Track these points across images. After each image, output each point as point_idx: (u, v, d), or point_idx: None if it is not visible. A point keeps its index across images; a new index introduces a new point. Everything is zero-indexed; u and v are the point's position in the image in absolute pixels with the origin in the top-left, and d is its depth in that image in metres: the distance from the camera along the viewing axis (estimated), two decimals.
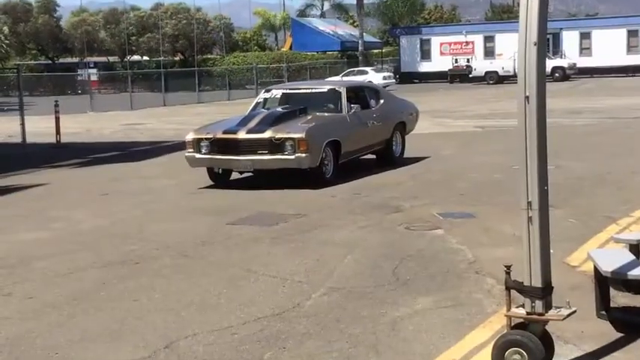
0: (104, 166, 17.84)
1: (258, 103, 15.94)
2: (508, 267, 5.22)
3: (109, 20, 72.94)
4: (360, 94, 16.21)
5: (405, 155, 16.68)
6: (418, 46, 67.61)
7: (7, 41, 63.26)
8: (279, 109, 15.15)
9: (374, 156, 16.25)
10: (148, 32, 71.73)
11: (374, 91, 17.13)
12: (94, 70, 66.34)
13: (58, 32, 73.56)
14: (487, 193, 12.47)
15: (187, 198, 13.05)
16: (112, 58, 77.06)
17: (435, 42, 66.67)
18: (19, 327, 6.73)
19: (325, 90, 15.98)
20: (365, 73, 59.35)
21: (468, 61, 62.93)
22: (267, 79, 59.70)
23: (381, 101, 16.48)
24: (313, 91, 16.01)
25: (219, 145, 13.78)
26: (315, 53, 74.61)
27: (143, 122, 31.62)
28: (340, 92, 15.32)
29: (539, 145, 5.01)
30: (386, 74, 60.64)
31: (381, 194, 12.71)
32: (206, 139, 13.90)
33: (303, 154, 13.28)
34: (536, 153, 5.01)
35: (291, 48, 76.93)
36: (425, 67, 66.44)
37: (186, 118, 32.10)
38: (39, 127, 26.28)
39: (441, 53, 65.80)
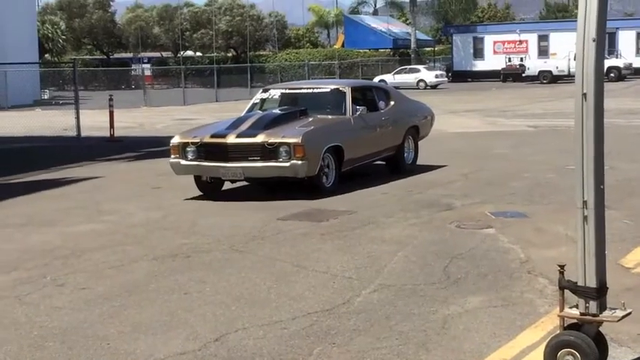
0: (156, 160, 17.97)
1: (254, 104, 14.57)
2: (562, 266, 5.13)
3: (163, 16, 73.53)
4: (367, 95, 14.93)
5: (462, 153, 16.43)
6: (471, 44, 67.08)
7: (63, 36, 64.22)
8: (277, 110, 13.82)
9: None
10: (201, 28, 72.17)
11: (383, 92, 15.65)
12: (148, 66, 67.08)
13: (112, 28, 74.41)
14: (540, 192, 12.33)
15: (238, 193, 13.09)
16: (165, 54, 77.69)
17: (489, 40, 66.10)
18: (71, 317, 6.81)
19: (328, 90, 14.42)
20: (417, 71, 59.13)
21: (521, 60, 62.26)
22: (319, 75, 59.81)
23: (392, 103, 15.07)
24: (315, 91, 14.47)
25: (207, 151, 12.42)
26: (367, 50, 74.56)
27: (195, 117, 31.82)
28: (344, 92, 13.96)
29: (596, 142, 4.92)
30: (438, 72, 60.37)
31: (432, 192, 12.64)
32: (192, 143, 12.53)
33: (299, 161, 11.96)
34: (592, 150, 4.92)
35: (343, 45, 76.95)
36: (478, 65, 65.92)
37: (238, 113, 32.09)
38: (93, 121, 26.60)
39: (494, 52, 65.22)
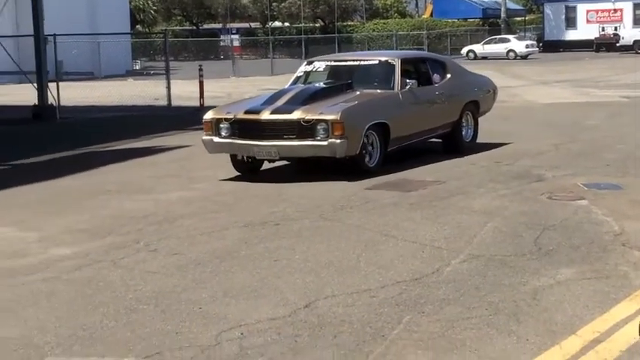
0: None
1: (298, 78, 13.56)
2: None
3: None
4: (420, 68, 13.87)
5: (553, 124, 16.07)
6: (563, 13, 65.66)
7: (154, 7, 65.13)
8: (320, 84, 12.94)
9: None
10: None
11: (439, 64, 14.43)
12: (237, 36, 67.61)
13: None
14: (634, 164, 12.05)
15: (326, 161, 13.09)
16: (253, 25, 78.14)
17: (581, 9, 64.58)
18: (164, 281, 6.95)
19: (376, 62, 13.40)
20: (507, 41, 58.27)
21: (615, 29, 60.79)
22: (407, 46, 59.36)
23: (448, 76, 13.96)
24: (362, 63, 13.52)
25: (241, 128, 11.63)
26: (456, 20, 73.62)
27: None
28: (393, 65, 12.86)
29: None
30: (529, 42, 59.41)
31: (522, 163, 12.47)
32: (225, 119, 11.75)
33: (338, 140, 11.08)
34: None
35: (431, 15, 76.14)
36: (569, 35, 64.52)
37: None
38: (183, 91, 26.97)
39: (587, 21, 63.75)
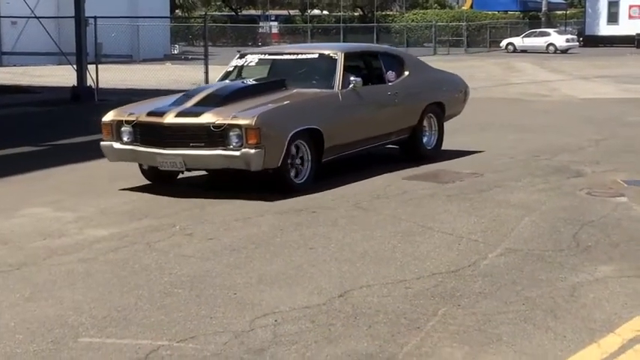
0: None
1: (228, 73, 11.75)
2: None
3: None
4: (371, 64, 12.02)
5: (593, 119, 15.86)
6: (605, 8, 64.92)
7: None
8: (247, 81, 11.20)
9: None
10: None
11: (394, 59, 12.36)
12: (275, 23, 67.66)
13: None
14: None
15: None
16: (292, 12, 78.10)
17: (624, 5, 63.81)
18: (199, 266, 6.94)
19: (315, 56, 11.38)
20: (547, 34, 57.76)
21: None
22: (446, 37, 59.07)
23: (406, 73, 12.08)
24: (300, 57, 11.50)
25: (142, 132, 9.83)
26: (496, 13, 73.11)
27: None
28: (335, 59, 11.00)
29: None
30: (569, 37, 58.83)
31: (561, 158, 12.33)
32: (127, 122, 9.91)
33: (253, 150, 9.23)
34: None
35: (471, 7, 75.67)
36: (611, 30, 63.80)
37: None
38: None
39: (630, 17, 62.99)
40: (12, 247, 7.62)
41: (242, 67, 11.76)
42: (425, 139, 12.29)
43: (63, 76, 27.24)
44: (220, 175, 10.48)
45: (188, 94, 10.40)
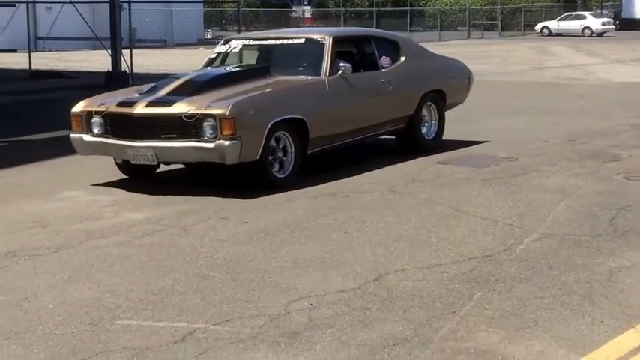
0: None
1: (211, 60, 11.19)
2: None
3: None
4: (364, 49, 11.37)
5: (629, 103, 15.68)
6: None
7: None
8: (227, 68, 10.69)
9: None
10: None
11: (389, 44, 11.61)
12: (308, 7, 67.44)
13: None
14: None
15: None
16: None
17: None
18: (234, 249, 6.97)
19: (302, 41, 10.71)
20: (583, 17, 57.24)
21: None
22: (480, 21, 58.67)
23: (402, 59, 11.40)
24: (286, 42, 10.78)
25: (113, 124, 9.28)
26: None
27: None
28: (323, 44, 10.35)
29: None
30: (605, 20, 58.26)
31: (598, 142, 12.23)
32: (97, 112, 9.36)
33: (227, 142, 8.64)
34: None
35: None
36: None
37: None
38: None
39: None
40: (50, 231, 7.70)
41: (227, 53, 11.16)
42: (424, 130, 11.67)
43: (97, 60, 27.41)
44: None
45: (163, 83, 9.79)
